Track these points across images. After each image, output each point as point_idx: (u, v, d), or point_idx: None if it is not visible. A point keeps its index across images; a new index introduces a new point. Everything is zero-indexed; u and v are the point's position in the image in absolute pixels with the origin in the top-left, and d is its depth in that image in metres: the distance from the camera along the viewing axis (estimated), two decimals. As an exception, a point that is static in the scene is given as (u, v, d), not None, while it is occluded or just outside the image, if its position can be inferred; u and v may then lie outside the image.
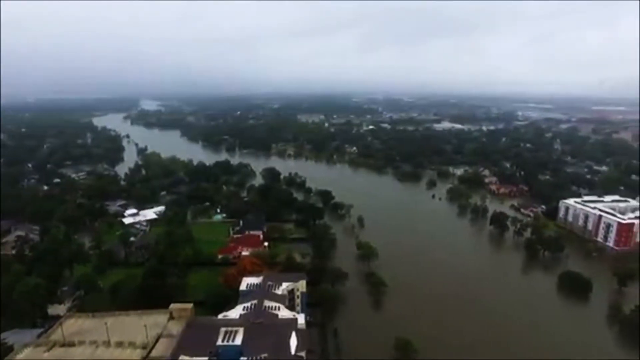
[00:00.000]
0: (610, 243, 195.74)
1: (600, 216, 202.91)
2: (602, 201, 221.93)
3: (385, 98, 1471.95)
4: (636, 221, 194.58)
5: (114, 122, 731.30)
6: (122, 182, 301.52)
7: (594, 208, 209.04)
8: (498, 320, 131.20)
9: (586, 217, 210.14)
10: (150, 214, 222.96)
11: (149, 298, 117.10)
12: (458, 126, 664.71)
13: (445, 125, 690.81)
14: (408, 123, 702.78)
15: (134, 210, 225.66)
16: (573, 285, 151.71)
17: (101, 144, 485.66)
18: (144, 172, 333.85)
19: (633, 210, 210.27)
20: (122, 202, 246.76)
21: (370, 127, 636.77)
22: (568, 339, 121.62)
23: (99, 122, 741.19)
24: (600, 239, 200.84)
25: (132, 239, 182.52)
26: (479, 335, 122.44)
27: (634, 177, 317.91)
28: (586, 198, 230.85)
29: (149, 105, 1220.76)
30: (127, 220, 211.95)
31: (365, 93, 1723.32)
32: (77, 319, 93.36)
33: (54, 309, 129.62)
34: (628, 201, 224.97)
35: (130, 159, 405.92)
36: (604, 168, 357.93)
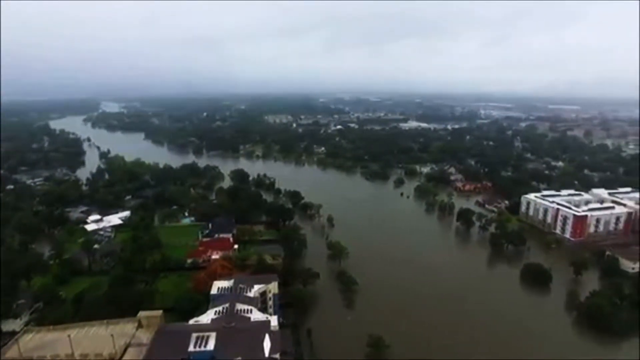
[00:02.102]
0: (567, 235, 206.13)
1: (557, 209, 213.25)
2: (560, 195, 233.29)
3: (352, 98, 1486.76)
4: (589, 213, 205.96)
5: (73, 125, 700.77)
6: (84, 187, 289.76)
7: (552, 202, 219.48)
8: (467, 313, 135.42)
9: (545, 211, 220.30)
10: (115, 219, 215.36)
11: (115, 307, 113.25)
12: (424, 125, 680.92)
13: (412, 124, 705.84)
14: (375, 123, 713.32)
15: (98, 216, 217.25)
16: (535, 276, 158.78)
17: (60, 147, 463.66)
18: (107, 176, 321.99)
19: (586, 203, 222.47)
20: (84, 208, 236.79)
21: (338, 127, 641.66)
22: (532, 327, 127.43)
23: (56, 125, 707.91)
24: (558, 231, 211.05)
25: (96, 246, 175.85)
26: (449, 327, 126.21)
27: (586, 171, 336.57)
28: (545, 193, 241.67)
29: (110, 107, 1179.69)
30: (90, 227, 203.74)
31: (332, 93, 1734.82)
32: (36, 333, 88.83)
33: (9, 325, 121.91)
34: (582, 194, 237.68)
35: (92, 163, 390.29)
36: (560, 164, 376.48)
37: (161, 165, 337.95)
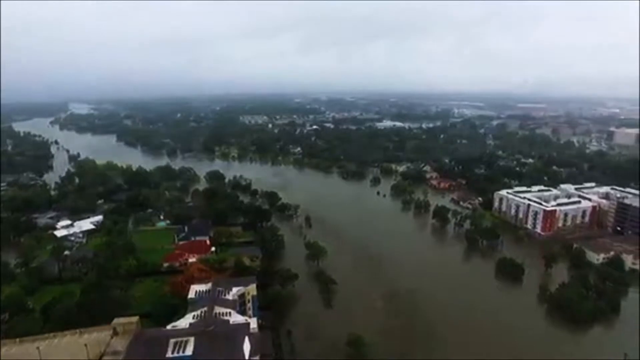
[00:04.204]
0: (538, 229, 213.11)
1: (528, 205, 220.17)
2: (530, 191, 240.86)
3: (327, 98, 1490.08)
4: (557, 208, 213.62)
5: (39, 128, 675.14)
6: (53, 192, 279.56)
7: (524, 198, 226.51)
8: (444, 308, 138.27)
9: (517, 206, 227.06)
10: (86, 224, 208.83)
11: (89, 315, 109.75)
12: (399, 124, 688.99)
13: (387, 123, 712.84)
14: (351, 122, 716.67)
15: (68, 222, 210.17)
16: (508, 270, 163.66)
17: (25, 151, 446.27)
18: (77, 180, 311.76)
19: (555, 198, 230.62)
20: (52, 214, 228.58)
21: (314, 127, 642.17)
22: (506, 319, 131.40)
23: (21, 127, 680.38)
24: (529, 225, 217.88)
25: (66, 252, 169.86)
26: (427, 322, 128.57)
27: (554, 168, 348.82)
28: (517, 189, 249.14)
29: (80, 109, 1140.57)
30: (59, 233, 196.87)
31: (308, 93, 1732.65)
32: (2, 347, 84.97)
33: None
34: (551, 190, 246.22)
35: (61, 166, 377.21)
36: (530, 160, 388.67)
37: (134, 168, 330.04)
